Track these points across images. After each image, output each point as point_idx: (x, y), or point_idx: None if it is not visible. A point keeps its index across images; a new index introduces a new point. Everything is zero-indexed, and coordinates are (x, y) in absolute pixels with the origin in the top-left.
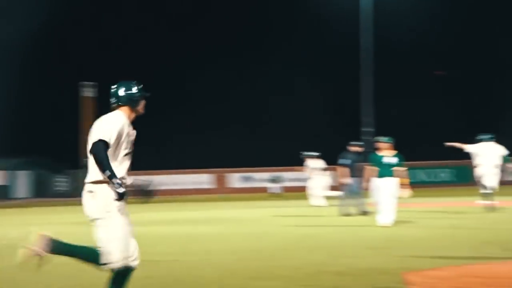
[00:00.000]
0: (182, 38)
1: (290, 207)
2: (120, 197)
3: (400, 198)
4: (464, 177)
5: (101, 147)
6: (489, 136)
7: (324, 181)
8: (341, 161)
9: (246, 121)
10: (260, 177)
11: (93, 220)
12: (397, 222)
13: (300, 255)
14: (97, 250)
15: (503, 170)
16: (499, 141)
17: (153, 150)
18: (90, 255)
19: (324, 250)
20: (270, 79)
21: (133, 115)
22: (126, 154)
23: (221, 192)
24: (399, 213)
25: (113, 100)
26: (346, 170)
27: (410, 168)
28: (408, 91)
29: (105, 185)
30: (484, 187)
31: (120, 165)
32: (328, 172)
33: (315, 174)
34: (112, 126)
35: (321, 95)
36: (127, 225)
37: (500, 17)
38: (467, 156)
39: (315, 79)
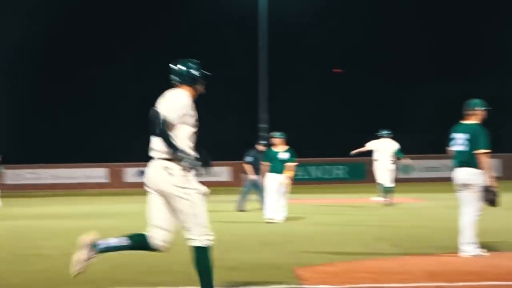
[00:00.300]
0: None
1: None
2: (196, 170)
3: (289, 193)
4: (358, 174)
5: (162, 124)
6: (387, 132)
7: None
8: (245, 158)
9: (142, 116)
10: None
11: (163, 194)
12: (290, 218)
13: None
14: (144, 235)
15: (397, 166)
16: (397, 138)
17: (48, 143)
18: (141, 241)
19: (217, 245)
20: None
21: (194, 94)
22: (192, 133)
23: (116, 187)
24: (293, 209)
25: (175, 78)
26: (250, 167)
27: (305, 164)
28: (306, 88)
29: (168, 160)
30: (381, 183)
31: (188, 143)
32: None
33: None
34: (175, 105)
35: (219, 91)
36: (203, 202)
37: (399, 17)
38: (362, 153)
39: (213, 77)
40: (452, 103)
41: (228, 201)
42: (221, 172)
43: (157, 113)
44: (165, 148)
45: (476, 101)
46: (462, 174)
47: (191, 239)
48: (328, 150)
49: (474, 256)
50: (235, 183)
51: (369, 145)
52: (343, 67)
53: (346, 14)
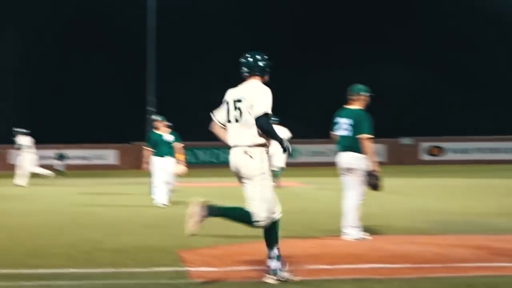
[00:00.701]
0: None
1: (73, 186)
2: (289, 152)
3: (177, 175)
4: None
5: (267, 119)
6: (276, 119)
7: (32, 159)
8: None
9: (34, 98)
10: (45, 154)
11: (245, 178)
12: (176, 202)
13: (77, 232)
14: (248, 211)
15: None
16: (283, 124)
17: None
18: (243, 216)
19: (101, 228)
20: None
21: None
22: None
23: (3, 169)
24: (178, 192)
25: (245, 70)
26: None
27: (193, 148)
28: (194, 72)
29: (261, 148)
30: (273, 166)
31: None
32: (35, 150)
33: (24, 151)
34: (268, 98)
35: (108, 74)
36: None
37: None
38: None
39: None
40: (337, 88)
41: (114, 184)
42: (108, 154)
43: (265, 114)
44: (252, 135)
45: (360, 86)
46: (346, 159)
47: (256, 219)
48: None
49: (356, 239)
50: (121, 166)
51: None
52: (233, 51)
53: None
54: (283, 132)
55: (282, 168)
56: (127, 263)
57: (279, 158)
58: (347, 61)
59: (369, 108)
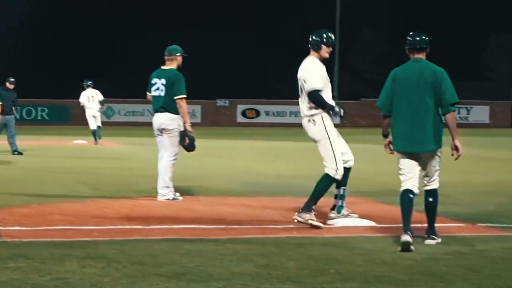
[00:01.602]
0: None
1: None
2: (341, 116)
3: None
4: (61, 117)
5: (318, 94)
6: (90, 82)
7: None
8: None
9: None
10: None
11: (315, 141)
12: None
13: None
14: (324, 177)
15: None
16: (102, 83)
17: None
18: (324, 184)
19: None
20: None
21: (321, 58)
22: (327, 88)
23: None
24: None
25: (309, 46)
26: None
27: None
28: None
29: (320, 115)
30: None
31: (325, 96)
32: None
33: None
34: (315, 73)
35: None
36: (339, 143)
37: None
38: (65, 96)
39: None
40: (156, 49)
41: None
42: None
43: (314, 91)
44: (313, 105)
45: (174, 46)
46: (160, 119)
47: (328, 168)
48: (31, 91)
49: (170, 200)
50: None
51: (82, 99)
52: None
53: None
54: (95, 95)
55: (99, 127)
56: None
57: (93, 121)
58: (165, 23)
59: (186, 69)
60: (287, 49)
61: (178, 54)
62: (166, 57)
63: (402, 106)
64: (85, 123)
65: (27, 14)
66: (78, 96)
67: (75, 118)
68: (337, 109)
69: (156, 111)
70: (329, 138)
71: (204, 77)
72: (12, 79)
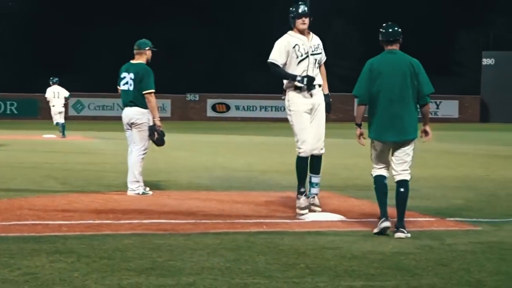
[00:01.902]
0: None
1: None
2: (306, 84)
3: None
4: (30, 111)
5: (274, 68)
6: (57, 79)
7: None
8: None
9: None
10: None
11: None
12: None
13: None
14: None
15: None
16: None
17: None
18: (296, 163)
19: None
20: None
21: (298, 31)
22: (300, 61)
23: None
24: None
25: None
26: None
27: None
28: None
29: (288, 90)
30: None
31: (296, 68)
32: None
33: None
34: (276, 47)
35: None
36: (307, 120)
37: None
38: (34, 89)
39: None
40: (126, 42)
41: None
42: None
43: (270, 63)
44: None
45: (144, 40)
46: (129, 113)
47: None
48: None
49: (140, 194)
50: None
51: (48, 95)
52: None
53: None
54: (60, 91)
55: (63, 124)
56: None
57: (60, 117)
58: (135, 16)
59: (155, 64)
60: (257, 43)
61: (147, 48)
62: (135, 51)
63: (380, 96)
64: None
65: None
66: (46, 91)
67: (44, 112)
68: (298, 78)
69: (126, 105)
70: (291, 114)
71: (174, 71)
72: None
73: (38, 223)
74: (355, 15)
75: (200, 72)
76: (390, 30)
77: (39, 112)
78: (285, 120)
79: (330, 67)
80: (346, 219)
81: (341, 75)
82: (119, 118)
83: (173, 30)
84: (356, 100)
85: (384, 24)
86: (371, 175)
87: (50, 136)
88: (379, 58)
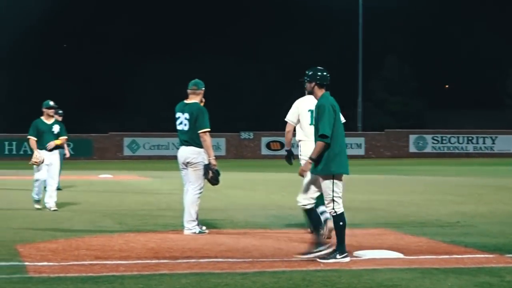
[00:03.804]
0: None
1: None
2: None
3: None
4: (86, 151)
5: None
6: (61, 111)
7: None
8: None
9: None
10: None
11: None
12: (17, 192)
13: None
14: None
15: None
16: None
17: None
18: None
19: None
20: None
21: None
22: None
23: None
24: (19, 184)
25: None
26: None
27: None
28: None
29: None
30: None
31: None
32: None
33: None
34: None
35: None
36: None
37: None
38: (88, 130)
39: None
40: (173, 81)
41: None
42: None
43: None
44: None
45: (198, 81)
46: (185, 153)
47: None
48: None
49: (196, 233)
50: None
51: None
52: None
53: None
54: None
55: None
56: None
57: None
58: (186, 55)
59: (209, 103)
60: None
61: (202, 88)
62: (189, 91)
63: (340, 133)
64: (110, 157)
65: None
66: (101, 130)
67: (98, 152)
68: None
69: (181, 144)
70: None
71: (228, 110)
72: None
73: (95, 263)
74: (407, 52)
75: (254, 110)
76: (328, 74)
77: (94, 152)
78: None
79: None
80: (404, 256)
81: (393, 110)
82: (174, 157)
83: (227, 68)
84: (325, 140)
85: (319, 67)
86: (336, 212)
87: (106, 176)
88: (331, 99)
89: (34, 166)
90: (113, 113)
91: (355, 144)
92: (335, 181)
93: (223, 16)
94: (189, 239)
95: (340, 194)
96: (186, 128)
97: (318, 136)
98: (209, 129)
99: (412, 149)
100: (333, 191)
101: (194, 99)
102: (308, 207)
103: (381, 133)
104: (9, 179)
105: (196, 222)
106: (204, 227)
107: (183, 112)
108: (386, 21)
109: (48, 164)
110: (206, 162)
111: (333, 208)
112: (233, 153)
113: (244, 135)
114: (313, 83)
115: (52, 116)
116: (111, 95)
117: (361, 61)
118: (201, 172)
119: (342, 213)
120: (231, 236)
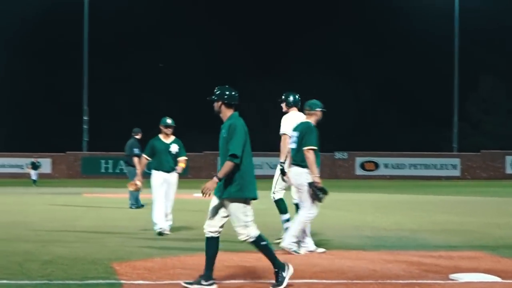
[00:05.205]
0: None
1: (4, 194)
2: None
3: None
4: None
5: None
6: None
7: None
8: (133, 151)
9: None
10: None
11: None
12: (108, 211)
13: (9, 243)
14: None
15: None
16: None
17: None
18: None
19: (34, 239)
20: None
21: None
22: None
23: None
24: (103, 202)
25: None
26: (138, 160)
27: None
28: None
29: None
30: None
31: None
32: None
33: None
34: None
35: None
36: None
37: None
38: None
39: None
40: (268, 99)
41: (47, 193)
42: (45, 163)
43: None
44: None
45: (315, 101)
46: (292, 174)
47: None
48: None
49: (291, 251)
50: (54, 175)
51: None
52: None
53: None
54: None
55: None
56: (60, 275)
57: None
58: (282, 74)
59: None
60: (405, 100)
61: (318, 109)
62: (306, 111)
63: (249, 155)
64: (205, 176)
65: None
66: (195, 149)
67: (193, 172)
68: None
69: (291, 164)
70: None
71: (322, 130)
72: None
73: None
74: (503, 71)
75: (348, 130)
76: (236, 93)
77: (189, 171)
78: (435, 178)
79: (477, 123)
80: (501, 280)
81: (489, 131)
82: (268, 177)
83: (320, 88)
84: (235, 160)
85: (227, 86)
86: (252, 236)
87: (200, 195)
88: (241, 119)
89: (132, 187)
90: (208, 132)
91: (450, 165)
92: (247, 205)
93: (319, 37)
94: (283, 259)
95: (251, 218)
96: (294, 146)
97: (229, 155)
98: (314, 147)
99: (509, 170)
100: (246, 215)
101: (309, 119)
102: (215, 235)
103: (477, 154)
104: (105, 197)
105: (295, 240)
106: (302, 248)
107: (296, 131)
108: (482, 41)
109: (167, 184)
110: (310, 180)
111: (248, 235)
112: (327, 173)
113: (339, 155)
114: (220, 102)
115: (169, 135)
116: (206, 114)
117: (457, 81)
118: (307, 193)
119: (259, 234)
120: (325, 257)
